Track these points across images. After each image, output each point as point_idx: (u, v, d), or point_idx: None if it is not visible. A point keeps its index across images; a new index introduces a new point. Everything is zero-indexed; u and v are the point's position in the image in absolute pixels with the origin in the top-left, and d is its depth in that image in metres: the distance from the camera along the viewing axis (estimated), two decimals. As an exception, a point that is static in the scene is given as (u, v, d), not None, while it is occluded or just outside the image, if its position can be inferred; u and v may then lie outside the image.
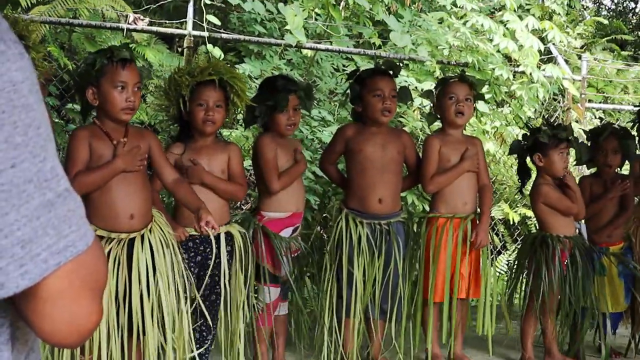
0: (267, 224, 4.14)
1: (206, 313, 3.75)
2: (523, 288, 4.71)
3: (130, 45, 6.02)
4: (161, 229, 3.55)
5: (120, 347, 3.44)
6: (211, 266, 3.82)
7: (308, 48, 6.36)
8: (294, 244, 4.18)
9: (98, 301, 1.01)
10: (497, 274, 4.94)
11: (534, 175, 4.74)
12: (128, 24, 6.32)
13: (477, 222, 4.47)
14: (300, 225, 4.28)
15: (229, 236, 3.89)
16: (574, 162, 5.00)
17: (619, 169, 4.90)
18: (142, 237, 3.47)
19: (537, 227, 4.78)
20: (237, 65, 6.22)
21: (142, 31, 6.53)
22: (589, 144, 4.83)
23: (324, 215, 5.99)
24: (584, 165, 5.39)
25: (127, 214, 3.44)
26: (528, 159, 4.70)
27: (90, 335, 1.04)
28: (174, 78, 3.83)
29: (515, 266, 4.81)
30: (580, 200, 4.56)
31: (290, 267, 4.17)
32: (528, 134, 4.67)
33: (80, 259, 0.96)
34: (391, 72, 4.44)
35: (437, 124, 4.80)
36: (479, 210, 4.54)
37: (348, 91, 4.53)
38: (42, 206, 0.93)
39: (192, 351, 3.71)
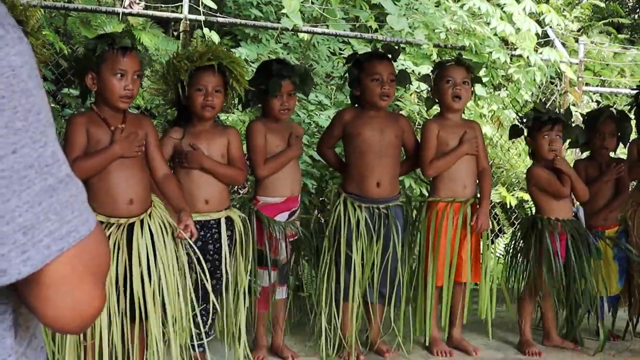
0: (262, 208, 4.13)
1: (212, 296, 3.75)
2: (520, 271, 4.73)
3: (126, 29, 6.02)
4: (161, 214, 3.55)
5: (122, 332, 3.45)
6: (212, 251, 3.83)
7: (304, 32, 6.33)
8: (290, 229, 4.18)
9: (101, 286, 1.01)
10: (496, 257, 4.95)
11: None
12: (124, 7, 6.30)
13: (477, 206, 4.47)
14: (299, 209, 4.27)
15: (229, 221, 3.89)
16: (568, 145, 4.99)
17: (613, 152, 4.91)
18: (142, 222, 3.47)
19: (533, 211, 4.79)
20: (233, 49, 6.20)
21: (138, 15, 6.51)
22: (583, 127, 4.83)
23: (322, 199, 5.99)
24: (578, 149, 5.39)
25: (126, 199, 3.44)
26: None
27: (94, 320, 1.03)
28: (172, 63, 3.82)
29: (511, 250, 4.82)
30: (579, 183, 4.57)
31: (288, 252, 4.18)
32: (524, 118, 4.68)
33: (83, 244, 0.96)
34: (389, 56, 4.43)
35: (436, 109, 4.78)
36: (478, 194, 4.54)
37: (346, 75, 4.51)
38: (44, 192, 0.92)
39: (193, 335, 3.72)
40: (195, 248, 3.61)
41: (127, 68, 3.41)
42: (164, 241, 3.51)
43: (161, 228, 3.52)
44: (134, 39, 3.60)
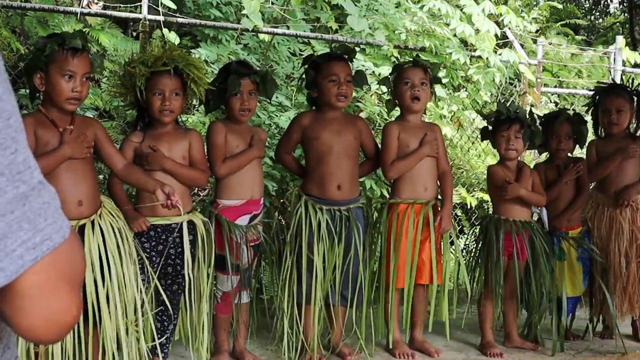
0: (222, 211, 4.10)
1: (167, 302, 3.72)
2: (479, 272, 4.77)
3: (84, 29, 5.94)
4: (111, 214, 3.52)
5: (76, 336, 3.39)
6: (173, 255, 3.80)
7: (265, 32, 6.30)
8: (251, 233, 4.14)
9: (77, 294, 0.99)
10: (456, 258, 4.96)
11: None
12: (82, 7, 6.22)
13: (438, 207, 4.48)
14: (261, 213, 4.24)
15: (191, 225, 3.85)
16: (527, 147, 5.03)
17: (570, 153, 4.95)
18: (92, 223, 3.44)
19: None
20: (193, 50, 6.15)
21: (96, 15, 6.42)
22: (540, 129, 4.87)
23: (282, 201, 5.96)
24: (536, 150, 5.43)
25: (75, 200, 3.40)
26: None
27: (71, 329, 1.01)
28: (128, 69, 3.76)
29: (471, 250, 4.86)
30: (535, 196, 4.63)
31: (250, 256, 4.14)
32: (486, 117, 4.74)
33: (57, 252, 0.93)
34: (346, 57, 4.42)
35: (398, 110, 4.79)
36: (439, 196, 4.55)
37: (304, 77, 4.50)
38: (16, 200, 0.90)
39: (153, 340, 3.69)
40: (142, 254, 3.59)
41: (76, 70, 3.36)
42: (116, 241, 3.49)
43: (112, 228, 3.49)
44: (87, 39, 3.52)
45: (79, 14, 5.80)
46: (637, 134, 5.12)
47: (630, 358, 4.73)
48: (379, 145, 4.59)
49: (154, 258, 3.76)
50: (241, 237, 4.07)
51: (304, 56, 6.47)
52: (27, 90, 3.55)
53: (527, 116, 4.68)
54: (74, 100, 3.38)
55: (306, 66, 4.43)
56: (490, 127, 4.71)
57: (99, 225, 3.45)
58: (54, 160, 3.33)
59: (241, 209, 4.14)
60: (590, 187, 5.03)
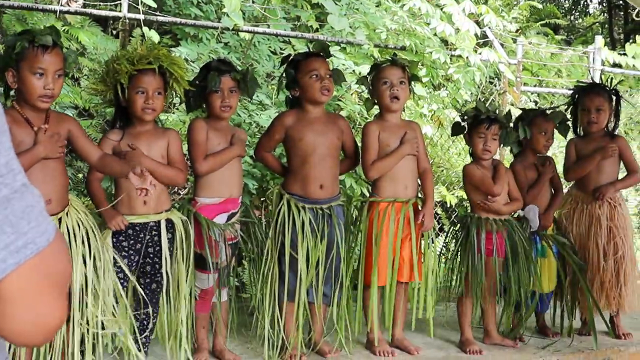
0: (200, 209, 4.09)
1: (147, 300, 3.71)
2: (458, 270, 4.79)
3: (64, 28, 5.91)
4: (78, 212, 3.50)
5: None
6: (152, 254, 3.79)
7: (245, 31, 6.29)
8: (229, 232, 4.13)
9: (63, 297, 0.98)
10: (437, 256, 4.98)
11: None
12: (61, 5, 6.18)
13: (418, 206, 4.49)
14: (239, 212, 4.22)
15: (170, 223, 3.84)
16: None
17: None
18: (60, 220, 3.44)
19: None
20: (173, 49, 6.14)
21: (76, 13, 6.39)
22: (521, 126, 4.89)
23: (263, 199, 5.96)
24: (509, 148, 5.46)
25: (44, 198, 3.36)
26: None
27: (56, 332, 1.00)
28: (112, 65, 3.74)
29: (451, 249, 4.89)
30: (514, 187, 4.68)
31: (228, 254, 4.13)
32: (465, 116, 4.77)
33: (42, 255, 0.92)
34: (322, 54, 4.43)
35: (377, 109, 4.79)
36: (419, 194, 4.57)
37: (284, 76, 4.49)
38: None
39: (135, 339, 3.69)
40: (117, 253, 3.59)
41: (47, 67, 3.33)
42: (83, 239, 3.47)
43: (78, 225, 3.48)
44: (59, 35, 3.49)
45: (58, 12, 5.78)
46: (615, 133, 5.16)
47: (609, 354, 4.76)
48: (358, 144, 4.60)
49: (132, 257, 3.75)
50: (219, 235, 4.06)
51: (283, 55, 6.50)
52: (2, 89, 3.52)
53: (508, 118, 4.71)
54: (46, 98, 3.35)
55: (285, 66, 4.42)
56: (464, 124, 4.72)
57: (66, 223, 3.44)
58: (28, 160, 3.29)
59: (219, 207, 4.13)
60: (569, 185, 5.07)
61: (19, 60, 3.34)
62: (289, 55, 4.57)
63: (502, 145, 4.71)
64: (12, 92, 3.48)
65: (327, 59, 4.46)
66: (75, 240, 3.44)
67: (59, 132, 3.43)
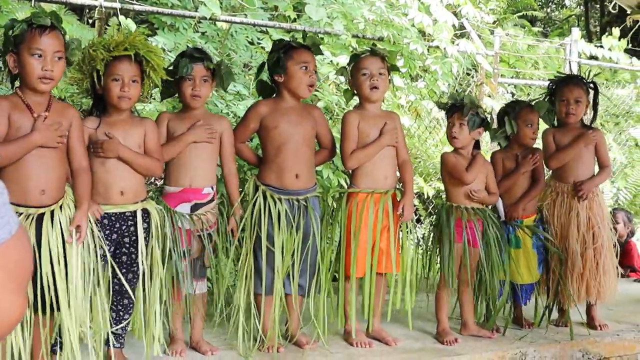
0: (165, 197, 4.07)
1: (129, 290, 3.68)
2: (434, 261, 4.80)
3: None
4: (70, 206, 3.46)
5: (28, 327, 3.35)
6: (127, 244, 3.76)
7: (223, 21, 6.26)
8: (194, 222, 4.07)
9: (22, 294, 0.95)
10: (415, 247, 4.99)
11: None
12: (36, -7, 6.11)
13: (397, 197, 4.49)
14: (210, 203, 4.16)
15: (146, 213, 3.81)
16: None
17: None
18: (52, 213, 3.38)
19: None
20: (149, 38, 6.09)
21: (51, 1, 6.33)
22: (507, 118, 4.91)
23: (240, 190, 5.93)
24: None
25: (38, 188, 3.34)
26: None
27: (13, 328, 0.97)
28: (88, 52, 3.70)
29: (427, 239, 4.90)
30: (492, 180, 4.72)
31: (197, 246, 4.09)
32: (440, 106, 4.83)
33: (3, 248, 0.90)
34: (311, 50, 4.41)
35: (356, 99, 4.78)
36: (398, 185, 4.56)
37: (264, 61, 4.44)
38: None
39: (108, 330, 3.66)
40: (103, 242, 3.55)
41: (45, 48, 3.31)
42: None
43: (70, 220, 3.43)
44: (59, 21, 3.47)
45: (32, 1, 5.71)
46: (592, 125, 5.19)
47: (585, 345, 4.79)
48: (333, 135, 4.58)
49: (107, 247, 3.72)
50: (182, 224, 4.02)
51: (261, 45, 6.47)
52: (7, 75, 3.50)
53: (473, 104, 4.70)
54: (45, 80, 3.32)
55: (274, 49, 4.37)
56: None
57: (58, 215, 3.39)
58: (23, 147, 3.27)
59: (179, 197, 4.08)
60: (547, 176, 5.09)
61: (19, 44, 3.33)
62: (281, 39, 4.55)
63: (472, 132, 4.70)
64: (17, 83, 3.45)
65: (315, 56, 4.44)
66: (64, 237, 3.40)
67: (60, 122, 3.39)
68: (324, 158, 4.69)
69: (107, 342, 3.71)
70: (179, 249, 3.98)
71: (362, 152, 4.40)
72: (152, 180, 5.98)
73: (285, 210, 4.23)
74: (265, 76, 4.50)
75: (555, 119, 5.11)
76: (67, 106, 3.65)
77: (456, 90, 7.06)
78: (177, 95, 4.23)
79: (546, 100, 5.15)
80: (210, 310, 4.36)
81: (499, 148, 5.09)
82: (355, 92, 4.55)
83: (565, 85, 5.06)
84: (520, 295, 4.97)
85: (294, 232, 4.25)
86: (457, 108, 4.62)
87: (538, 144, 5.10)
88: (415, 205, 7.38)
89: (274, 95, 4.41)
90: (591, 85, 5.13)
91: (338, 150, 4.68)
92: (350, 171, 4.56)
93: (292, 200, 4.27)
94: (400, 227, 4.52)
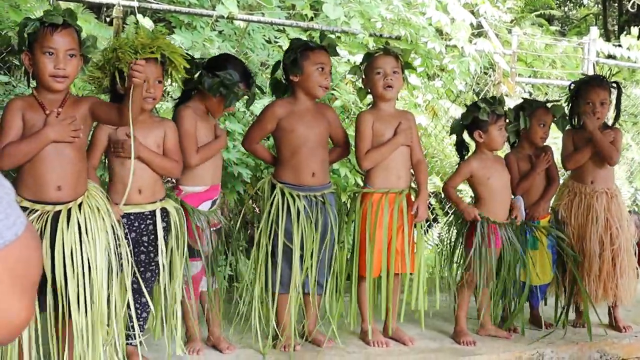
0: (185, 198, 4.06)
1: (144, 289, 3.69)
2: (456, 261, 4.77)
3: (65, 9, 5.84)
4: (94, 204, 3.43)
5: (36, 329, 3.34)
6: (146, 243, 3.76)
7: (240, 19, 6.27)
8: (213, 218, 4.12)
9: (29, 296, 0.93)
10: (429, 247, 4.97)
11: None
12: (54, -9, 6.14)
13: (412, 196, 4.47)
14: (221, 198, 4.21)
15: (164, 212, 3.81)
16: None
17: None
18: (69, 211, 3.35)
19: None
20: (167, 37, 6.09)
21: (69, 0, 6.35)
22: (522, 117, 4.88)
23: (257, 189, 5.94)
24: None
25: (54, 184, 3.32)
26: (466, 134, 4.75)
27: (21, 332, 0.95)
28: (116, 54, 3.64)
29: (445, 239, 4.87)
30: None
31: (212, 242, 4.11)
32: (466, 111, 4.72)
33: (8, 250, 0.88)
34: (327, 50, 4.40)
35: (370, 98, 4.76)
36: (412, 184, 4.54)
37: (281, 60, 4.43)
38: None
39: (127, 329, 3.66)
40: (129, 240, 3.55)
41: (56, 46, 3.31)
42: (95, 232, 3.39)
43: (91, 219, 3.39)
44: (75, 18, 3.46)
45: (51, -1, 5.73)
46: (613, 126, 5.13)
47: (603, 346, 4.76)
48: (347, 134, 4.57)
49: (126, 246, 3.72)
50: (204, 222, 4.05)
51: (279, 44, 6.47)
52: (8, 77, 3.50)
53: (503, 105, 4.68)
54: (59, 78, 3.32)
55: (294, 48, 4.35)
56: (462, 122, 4.73)
57: (76, 214, 3.36)
58: (36, 143, 3.27)
59: (204, 195, 4.12)
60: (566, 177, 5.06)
61: (32, 42, 3.33)
62: (298, 39, 4.54)
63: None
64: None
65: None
66: (87, 234, 3.36)
67: (74, 116, 3.37)
68: (339, 156, 4.69)
69: (127, 340, 3.72)
70: (202, 247, 4.00)
71: (377, 152, 4.38)
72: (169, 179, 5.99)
73: (304, 206, 4.23)
74: (279, 74, 4.50)
75: (576, 119, 5.05)
76: (82, 98, 3.63)
77: (474, 91, 7.03)
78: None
79: (568, 100, 5.10)
80: (227, 307, 4.36)
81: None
82: (369, 91, 4.53)
83: (590, 87, 4.97)
84: (538, 296, 4.95)
85: (312, 229, 4.25)
86: (499, 115, 4.58)
87: (548, 142, 5.05)
88: (431, 205, 7.38)
89: (287, 94, 4.41)
90: (613, 85, 5.07)
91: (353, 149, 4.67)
92: (365, 171, 4.55)
93: (310, 197, 4.28)
94: (415, 226, 4.51)
